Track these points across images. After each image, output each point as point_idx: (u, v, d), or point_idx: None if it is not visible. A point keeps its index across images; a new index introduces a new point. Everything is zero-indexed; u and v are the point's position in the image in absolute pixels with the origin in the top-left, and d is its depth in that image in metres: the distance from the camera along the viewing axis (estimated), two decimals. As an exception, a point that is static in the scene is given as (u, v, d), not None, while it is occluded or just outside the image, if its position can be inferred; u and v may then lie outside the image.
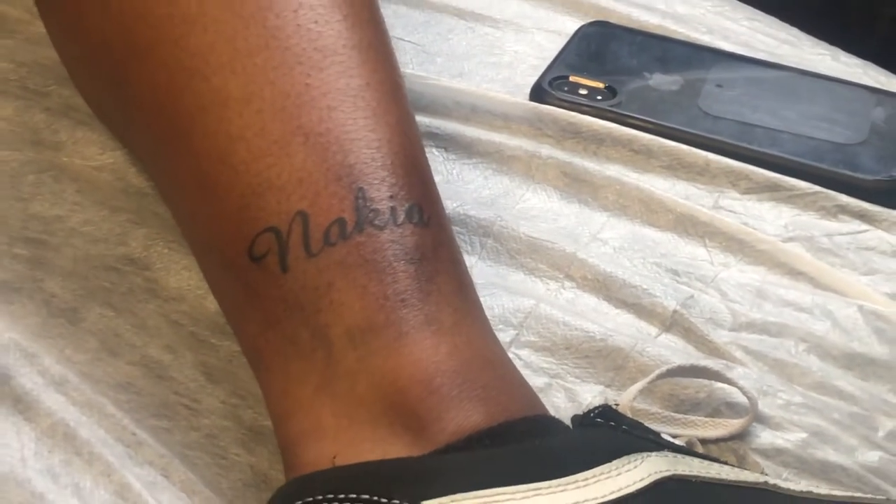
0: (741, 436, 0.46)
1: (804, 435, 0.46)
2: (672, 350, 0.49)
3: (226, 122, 0.45)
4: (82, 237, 0.52)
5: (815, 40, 0.69)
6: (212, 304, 0.49)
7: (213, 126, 0.45)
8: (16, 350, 0.46)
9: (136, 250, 0.52)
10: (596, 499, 0.37)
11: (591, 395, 0.48)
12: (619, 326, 0.50)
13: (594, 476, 0.38)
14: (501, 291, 0.51)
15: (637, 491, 0.37)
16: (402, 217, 0.44)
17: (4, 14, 0.64)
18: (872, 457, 0.46)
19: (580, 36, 0.65)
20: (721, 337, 0.50)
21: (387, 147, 0.45)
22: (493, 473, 0.37)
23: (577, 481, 0.37)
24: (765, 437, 0.46)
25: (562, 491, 0.37)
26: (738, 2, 0.71)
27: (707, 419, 0.46)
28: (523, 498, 0.36)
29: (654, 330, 0.50)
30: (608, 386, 0.48)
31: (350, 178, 0.44)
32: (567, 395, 0.48)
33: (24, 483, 0.42)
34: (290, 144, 0.44)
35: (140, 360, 0.47)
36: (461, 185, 0.56)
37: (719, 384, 0.47)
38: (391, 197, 0.44)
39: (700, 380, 0.47)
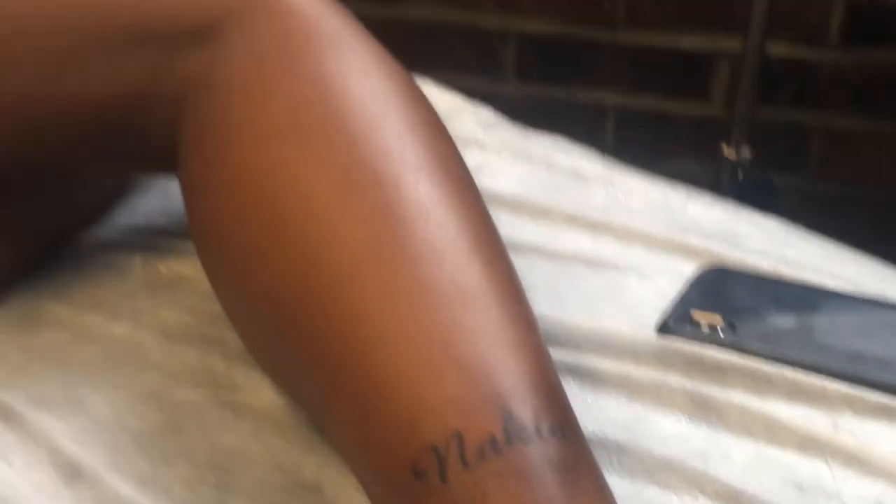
0: None
1: None
2: (801, 556, 0.53)
3: (385, 360, 0.52)
4: (262, 466, 0.58)
5: (921, 280, 0.74)
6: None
7: (374, 365, 0.52)
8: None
9: (310, 477, 0.58)
10: None
11: None
12: (750, 535, 0.55)
13: None
14: (640, 505, 0.56)
15: None
16: (545, 433, 0.49)
17: (182, 273, 0.72)
18: None
19: (700, 278, 0.71)
20: (846, 544, 0.54)
21: (528, 374, 0.51)
22: None
23: None
24: None
25: None
26: (843, 248, 0.77)
27: None
28: None
29: (783, 539, 0.55)
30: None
31: (498, 400, 0.50)
32: None
33: None
34: (443, 374, 0.51)
35: (318, 570, 0.53)
36: (598, 411, 0.62)
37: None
38: (535, 416, 0.50)
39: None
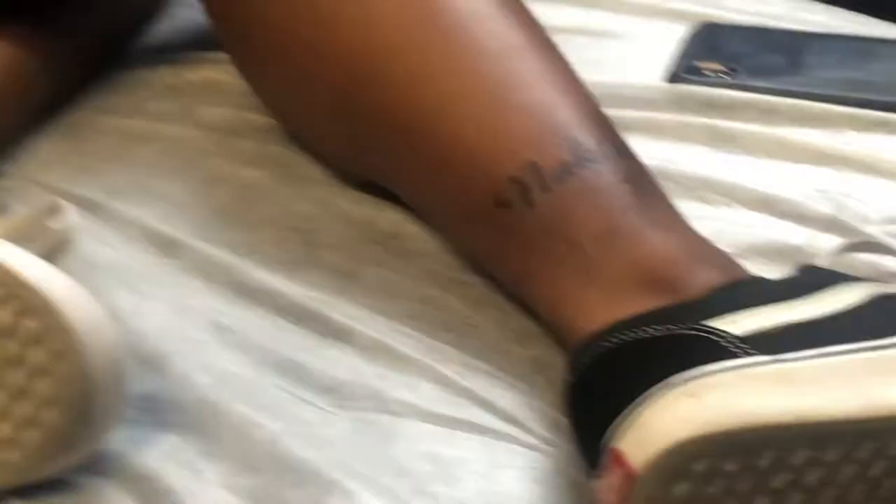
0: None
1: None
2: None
3: (454, 114, 0.58)
4: (339, 224, 0.64)
5: (881, 21, 0.82)
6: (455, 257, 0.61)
7: (446, 121, 0.58)
8: (317, 301, 0.58)
9: (387, 228, 0.63)
10: (834, 308, 0.48)
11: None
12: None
13: (823, 295, 0.49)
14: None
15: (861, 303, 0.49)
16: (609, 153, 0.56)
17: (210, 78, 0.76)
18: None
19: (695, 34, 0.77)
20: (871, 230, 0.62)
21: (583, 108, 0.58)
22: (756, 294, 0.49)
23: (814, 301, 0.49)
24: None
25: (809, 304, 0.48)
26: (812, 1, 0.85)
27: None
28: (787, 308, 0.48)
29: (815, 232, 0.62)
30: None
31: (564, 131, 0.56)
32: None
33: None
34: (510, 117, 0.57)
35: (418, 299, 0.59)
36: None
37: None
38: (598, 141, 0.56)
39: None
